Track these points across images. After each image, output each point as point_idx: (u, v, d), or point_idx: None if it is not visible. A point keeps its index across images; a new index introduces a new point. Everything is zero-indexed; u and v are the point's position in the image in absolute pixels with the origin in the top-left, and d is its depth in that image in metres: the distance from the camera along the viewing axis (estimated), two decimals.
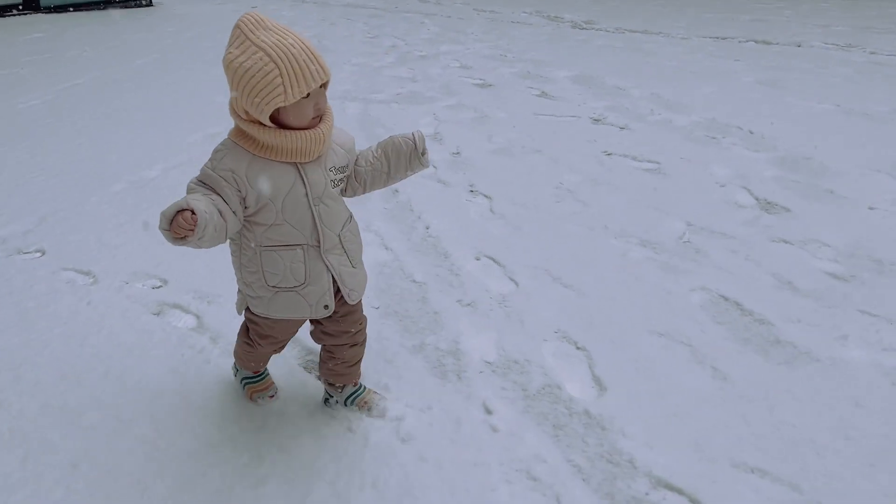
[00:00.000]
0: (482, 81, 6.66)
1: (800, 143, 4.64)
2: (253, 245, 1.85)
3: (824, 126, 4.99)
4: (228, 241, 1.90)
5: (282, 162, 1.78)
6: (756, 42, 7.85)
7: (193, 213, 1.60)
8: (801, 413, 2.26)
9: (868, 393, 2.34)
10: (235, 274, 2.00)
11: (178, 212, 1.59)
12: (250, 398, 2.31)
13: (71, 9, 12.52)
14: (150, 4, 13.55)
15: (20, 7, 12.11)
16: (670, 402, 2.33)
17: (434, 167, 4.40)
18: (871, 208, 3.66)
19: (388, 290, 3.04)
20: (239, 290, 2.03)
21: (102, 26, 10.62)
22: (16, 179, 4.41)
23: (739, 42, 7.90)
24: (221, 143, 1.81)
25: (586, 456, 2.13)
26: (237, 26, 1.66)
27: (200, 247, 1.68)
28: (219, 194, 1.74)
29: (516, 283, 3.08)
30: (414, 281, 3.11)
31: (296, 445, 2.16)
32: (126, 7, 13.17)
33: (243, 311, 2.07)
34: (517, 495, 1.98)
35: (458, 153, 4.66)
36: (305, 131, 1.75)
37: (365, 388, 2.32)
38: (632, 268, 3.18)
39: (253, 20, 1.67)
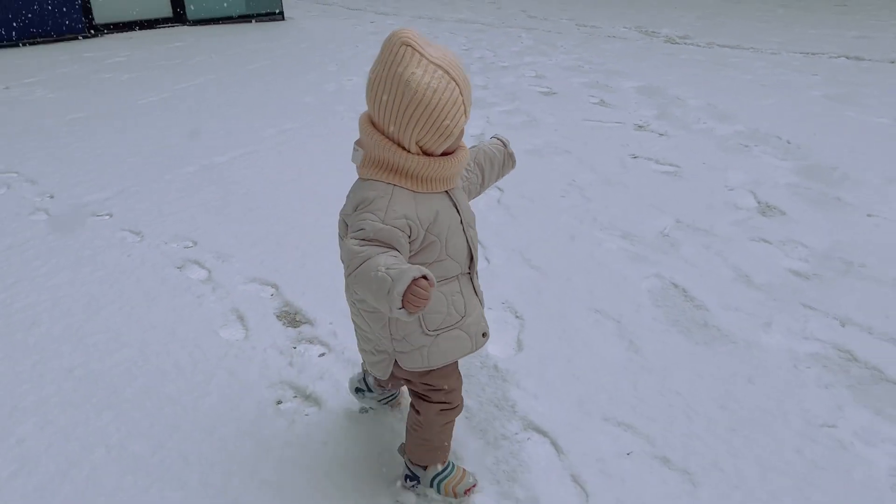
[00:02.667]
0: (548, 90, 6.90)
1: (834, 154, 4.56)
2: None
3: (868, 138, 4.86)
4: (358, 302, 1.72)
5: (438, 193, 1.63)
6: (848, 58, 7.56)
7: (426, 278, 1.40)
8: (692, 385, 2.41)
9: (764, 373, 2.45)
10: (365, 338, 1.79)
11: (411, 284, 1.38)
12: (455, 496, 1.95)
13: (213, 22, 13.92)
14: (282, 19, 14.78)
15: (169, 20, 13.65)
16: (576, 366, 2.54)
17: None
18: (869, 216, 3.62)
19: None
20: (375, 354, 1.78)
21: (234, 36, 11.76)
22: (112, 159, 5.19)
23: (830, 58, 7.64)
24: (369, 188, 1.55)
25: (479, 400, 2.39)
26: (406, 43, 1.45)
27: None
28: (395, 248, 1.51)
29: (489, 261, 3.36)
30: None
31: None
32: (261, 21, 14.44)
33: (378, 375, 1.83)
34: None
35: None
36: (455, 155, 1.61)
37: (454, 466, 2.00)
38: (601, 256, 3.37)
39: (419, 35, 1.48)
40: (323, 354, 2.69)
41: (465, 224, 1.69)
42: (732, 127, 5.30)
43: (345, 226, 1.60)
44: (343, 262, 1.54)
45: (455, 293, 1.71)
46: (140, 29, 12.98)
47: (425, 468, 1.96)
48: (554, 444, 2.17)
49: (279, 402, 2.42)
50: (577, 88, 6.90)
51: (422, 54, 1.44)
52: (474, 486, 1.98)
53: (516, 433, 2.23)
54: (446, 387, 1.82)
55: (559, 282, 3.14)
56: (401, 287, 1.37)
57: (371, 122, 1.57)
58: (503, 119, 5.91)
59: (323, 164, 4.81)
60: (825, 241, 3.37)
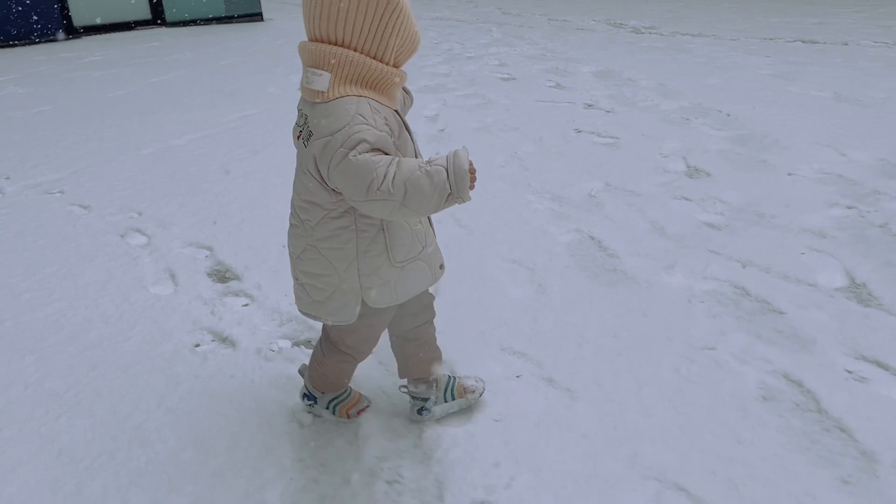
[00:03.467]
0: (508, 76, 7.03)
1: (768, 123, 4.70)
2: (378, 221, 1.63)
3: (804, 109, 5.00)
4: (321, 242, 1.65)
5: (392, 111, 1.62)
6: (803, 42, 7.72)
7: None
8: (588, 319, 2.52)
9: (659, 307, 2.56)
10: (320, 287, 1.70)
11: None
12: (347, 416, 2.06)
13: (192, 24, 14.05)
14: (261, 20, 14.92)
15: (148, 22, 13.78)
16: (485, 306, 2.65)
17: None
18: (789, 174, 3.74)
19: None
20: (336, 299, 1.70)
21: (211, 36, 11.88)
22: (71, 144, 5.29)
23: (785, 42, 7.79)
24: (343, 104, 1.50)
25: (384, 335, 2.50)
26: None
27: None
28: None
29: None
30: None
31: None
32: (240, 22, 14.57)
33: (343, 322, 1.75)
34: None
35: (443, 130, 5.09)
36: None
37: (351, 390, 2.09)
38: (528, 215, 3.48)
39: None
40: (246, 305, 2.80)
41: (417, 151, 1.70)
42: (677, 103, 5.44)
43: (314, 162, 1.53)
44: (357, 184, 1.46)
45: (416, 223, 1.72)
46: (119, 31, 13.10)
47: (323, 392, 2.05)
48: (450, 369, 2.28)
49: (197, 345, 2.52)
50: (536, 74, 7.03)
51: None
52: (367, 406, 2.09)
53: None
54: (362, 349, 1.92)
55: (483, 237, 3.25)
56: (466, 164, 1.43)
57: (332, 43, 1.52)
58: (459, 101, 6.03)
59: (276, 144, 4.93)
60: (743, 197, 3.49)
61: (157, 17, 13.90)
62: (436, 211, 1.48)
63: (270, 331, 2.58)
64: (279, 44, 10.77)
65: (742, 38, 8.20)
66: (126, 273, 3.09)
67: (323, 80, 1.53)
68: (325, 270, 1.67)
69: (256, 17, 14.78)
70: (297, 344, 2.48)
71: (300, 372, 2.13)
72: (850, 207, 3.28)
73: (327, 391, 2.04)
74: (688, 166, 4.02)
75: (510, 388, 2.17)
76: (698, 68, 6.71)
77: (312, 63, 1.54)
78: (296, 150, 1.68)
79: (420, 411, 2.04)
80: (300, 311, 1.83)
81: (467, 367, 2.28)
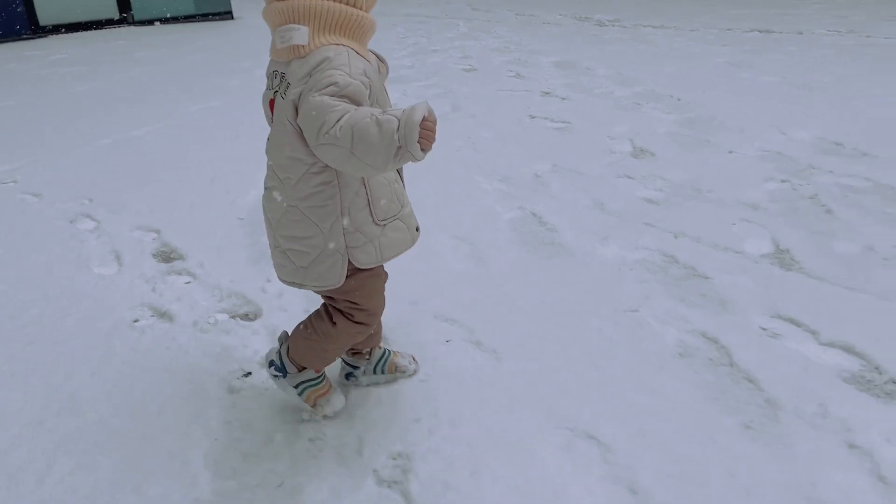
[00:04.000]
0: (470, 67, 7.10)
1: (717, 107, 4.80)
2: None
3: (754, 94, 5.11)
4: (304, 201, 1.60)
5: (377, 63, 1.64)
6: (760, 32, 7.86)
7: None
8: (522, 288, 2.58)
9: (590, 276, 2.63)
10: (303, 251, 1.65)
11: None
12: (314, 405, 1.91)
13: (158, 22, 13.99)
14: (231, 18, 14.87)
15: (116, 21, 13.71)
16: (423, 279, 2.70)
17: None
18: (730, 152, 3.84)
19: None
20: (322, 262, 1.65)
21: (179, 34, 11.84)
22: (30, 136, 5.27)
23: (744, 32, 7.94)
24: (323, 52, 1.49)
25: None
26: None
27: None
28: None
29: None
30: None
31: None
32: (210, 20, 14.52)
33: (329, 286, 1.69)
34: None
35: None
36: None
37: (325, 377, 1.96)
38: (476, 195, 3.54)
39: None
40: (189, 282, 2.83)
41: (391, 101, 1.68)
42: (632, 90, 5.53)
43: (293, 110, 1.51)
44: (310, 125, 1.45)
45: (394, 181, 1.71)
46: (86, 30, 13.02)
47: (301, 369, 1.88)
48: (385, 339, 2.32)
49: (136, 321, 2.55)
50: (498, 65, 7.10)
51: None
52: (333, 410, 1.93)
53: None
54: (369, 308, 1.80)
55: (430, 215, 3.28)
56: (418, 116, 1.33)
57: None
58: (420, 91, 6.08)
59: (234, 133, 4.95)
60: (684, 175, 3.58)
61: (125, 16, 13.83)
62: (386, 165, 1.39)
63: (209, 306, 2.62)
64: (245, 41, 10.77)
65: (702, 30, 8.33)
66: (72, 256, 3.10)
67: (302, 34, 1.50)
68: (308, 231, 1.62)
69: (226, 15, 14.75)
70: (233, 317, 2.52)
71: (279, 339, 1.95)
72: (784, 181, 3.37)
73: (311, 366, 1.87)
74: (634, 147, 4.10)
75: (439, 351, 2.22)
76: (657, 58, 6.81)
77: (286, 20, 1.52)
78: (270, 116, 1.65)
79: (347, 376, 2.06)
80: (282, 280, 1.76)
81: (400, 333, 2.33)
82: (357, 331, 1.81)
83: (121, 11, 13.66)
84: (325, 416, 1.93)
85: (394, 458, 1.78)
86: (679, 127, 4.44)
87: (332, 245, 1.63)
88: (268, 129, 1.69)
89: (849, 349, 2.09)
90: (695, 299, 2.43)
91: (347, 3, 1.52)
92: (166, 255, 3.08)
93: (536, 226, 3.13)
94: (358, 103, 1.46)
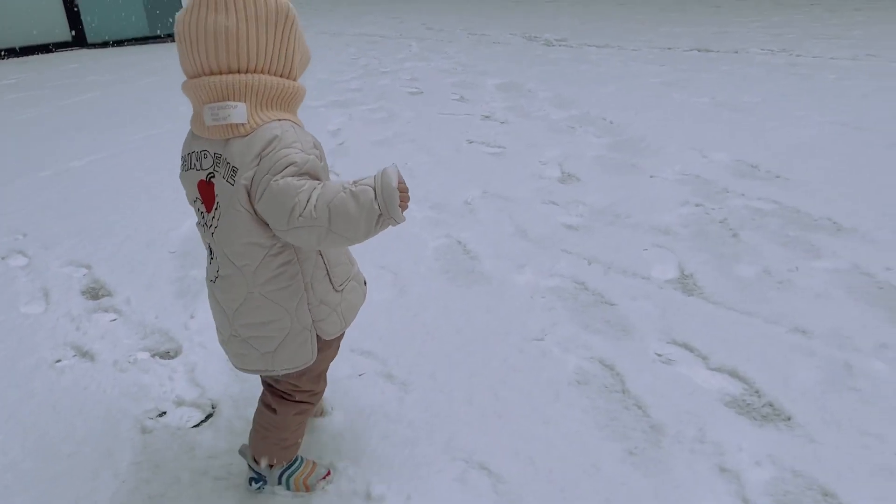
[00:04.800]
0: (417, 90, 7.21)
1: (647, 128, 4.97)
2: None
3: (683, 115, 5.30)
4: (265, 286, 1.55)
5: None
6: (698, 51, 8.12)
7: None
8: (438, 318, 2.67)
9: (504, 304, 2.74)
10: (269, 335, 1.60)
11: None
12: (306, 488, 1.86)
13: (115, 44, 13.90)
14: None
15: (69, 44, 13.58)
16: None
17: None
18: (651, 176, 3.99)
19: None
20: (293, 342, 1.61)
21: (133, 56, 11.80)
22: None
23: (683, 51, 8.18)
24: (267, 131, 1.44)
25: None
26: None
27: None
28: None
29: None
30: None
31: None
32: (165, 42, 14.47)
33: (301, 366, 1.65)
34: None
35: (342, 143, 5.22)
36: None
37: (302, 459, 1.89)
38: (406, 223, 3.62)
39: None
40: (114, 320, 2.86)
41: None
42: (568, 112, 5.69)
43: (245, 193, 1.45)
44: (278, 210, 1.41)
45: None
46: (38, 54, 12.89)
47: (272, 465, 1.83)
48: None
49: (58, 361, 2.58)
50: (444, 87, 7.23)
51: None
52: (329, 473, 1.90)
53: None
54: (318, 389, 1.80)
55: (356, 245, 3.38)
56: (394, 181, 1.36)
57: (235, 72, 1.45)
58: (364, 115, 6.17)
59: (175, 163, 4.96)
60: (606, 200, 3.71)
61: (78, 39, 13.72)
62: (368, 235, 1.41)
63: (132, 344, 2.66)
64: None
65: (644, 49, 8.57)
66: (0, 295, 3.12)
67: (240, 112, 1.43)
68: (274, 315, 1.56)
69: None
70: (154, 355, 2.56)
71: (241, 453, 1.89)
72: (697, 205, 3.53)
73: (280, 462, 1.82)
74: (562, 172, 4.24)
75: (351, 385, 2.30)
76: (595, 78, 7.00)
77: (219, 97, 1.44)
78: (199, 199, 1.57)
79: (252, 481, 1.88)
80: (243, 369, 1.69)
81: None
82: (298, 410, 1.77)
83: (74, 35, 13.55)
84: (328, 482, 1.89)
85: (294, 496, 1.85)
86: (608, 150, 4.59)
87: (299, 324, 1.59)
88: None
89: (733, 373, 2.22)
90: (599, 326, 2.54)
91: (282, 76, 1.49)
92: (94, 292, 3.12)
93: (460, 254, 3.23)
94: (317, 178, 1.44)
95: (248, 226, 1.47)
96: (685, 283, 2.80)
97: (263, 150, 1.41)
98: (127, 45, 13.93)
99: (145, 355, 2.58)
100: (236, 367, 1.70)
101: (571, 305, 2.69)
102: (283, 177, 1.39)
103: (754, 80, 6.36)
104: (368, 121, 5.97)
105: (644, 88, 6.36)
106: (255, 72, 1.44)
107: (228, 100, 1.44)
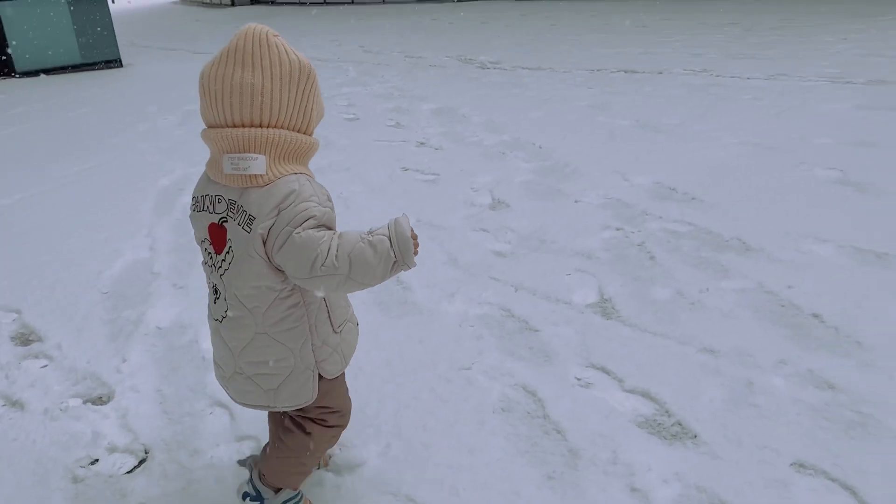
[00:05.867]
0: (353, 116, 7.30)
1: (572, 153, 5.16)
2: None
3: (606, 138, 5.52)
4: (274, 327, 1.64)
5: None
6: (625, 72, 8.42)
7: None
8: (370, 350, 2.74)
9: (434, 334, 2.84)
10: (273, 373, 1.68)
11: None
12: None
13: (45, 73, 13.59)
14: (120, 66, 14.60)
15: None
16: None
17: None
18: (575, 201, 4.16)
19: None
20: (294, 381, 1.70)
21: (64, 85, 11.56)
22: None
23: (610, 73, 8.48)
24: (284, 185, 1.53)
25: (177, 388, 2.63)
26: (276, 36, 1.55)
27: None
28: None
29: None
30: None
31: None
32: (98, 69, 14.20)
33: (302, 404, 1.75)
34: None
35: None
36: None
37: (302, 494, 1.94)
38: None
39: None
40: (45, 366, 2.86)
41: None
42: (500, 137, 5.85)
43: (261, 242, 1.53)
44: (301, 260, 1.50)
45: None
46: None
47: (277, 491, 1.87)
48: (231, 414, 2.44)
49: None
50: (380, 113, 7.34)
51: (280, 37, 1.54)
52: None
53: (201, 409, 2.49)
54: (342, 408, 1.88)
55: None
56: (408, 230, 1.52)
57: (257, 126, 1.52)
58: None
59: (107, 199, 4.93)
60: (532, 226, 3.86)
61: (7, 68, 13.36)
62: (382, 280, 1.55)
63: (63, 390, 2.66)
64: (132, 91, 10.65)
65: (573, 71, 8.84)
66: None
67: (259, 164, 1.52)
68: (280, 355, 1.66)
69: (115, 63, 14.46)
70: (86, 401, 2.57)
71: (245, 465, 1.97)
72: (618, 229, 3.70)
73: (286, 486, 1.86)
74: (493, 199, 4.38)
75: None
76: (526, 102, 7.21)
77: (240, 148, 1.52)
78: (208, 240, 1.65)
79: (246, 497, 1.90)
80: (244, 404, 1.78)
81: (243, 410, 2.44)
82: (332, 434, 1.88)
83: (2, 63, 13.19)
84: None
85: None
86: (535, 175, 4.76)
87: (301, 364, 1.68)
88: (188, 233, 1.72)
89: (646, 394, 2.36)
90: (523, 352, 2.66)
91: (299, 130, 1.59)
92: (25, 338, 3.10)
93: (393, 284, 3.32)
94: (332, 228, 1.56)
95: (260, 271, 1.57)
96: (604, 307, 2.95)
97: (282, 202, 1.50)
98: (58, 73, 13.63)
99: (77, 402, 2.59)
100: (236, 402, 1.80)
101: (498, 333, 2.81)
102: (304, 229, 1.49)
103: (676, 101, 6.65)
104: None
105: (572, 112, 6.58)
106: (275, 126, 1.54)
107: (248, 151, 1.53)
